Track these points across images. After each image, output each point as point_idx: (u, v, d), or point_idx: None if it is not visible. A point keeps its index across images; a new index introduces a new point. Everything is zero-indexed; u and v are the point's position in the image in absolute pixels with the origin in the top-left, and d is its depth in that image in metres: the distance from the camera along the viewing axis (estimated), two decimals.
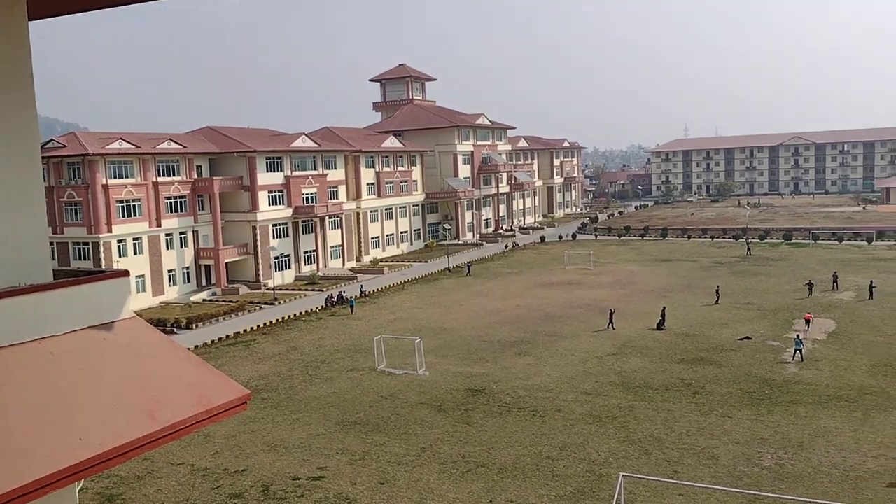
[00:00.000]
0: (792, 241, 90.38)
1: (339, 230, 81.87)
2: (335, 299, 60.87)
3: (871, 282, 56.54)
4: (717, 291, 55.95)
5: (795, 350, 39.96)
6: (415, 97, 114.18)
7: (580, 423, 31.53)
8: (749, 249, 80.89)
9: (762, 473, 26.11)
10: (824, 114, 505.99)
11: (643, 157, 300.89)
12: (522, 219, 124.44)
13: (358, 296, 62.97)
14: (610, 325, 47.30)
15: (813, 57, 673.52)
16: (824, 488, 24.62)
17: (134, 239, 63.00)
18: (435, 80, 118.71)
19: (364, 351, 44.58)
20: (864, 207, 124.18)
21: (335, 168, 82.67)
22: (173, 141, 67.61)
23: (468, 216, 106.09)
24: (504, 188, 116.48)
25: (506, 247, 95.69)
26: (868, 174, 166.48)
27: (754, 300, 55.34)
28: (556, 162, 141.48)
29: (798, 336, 41.96)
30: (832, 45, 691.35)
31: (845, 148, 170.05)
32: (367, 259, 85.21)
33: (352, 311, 57.24)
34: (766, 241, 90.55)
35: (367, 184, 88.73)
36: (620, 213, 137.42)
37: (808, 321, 46.24)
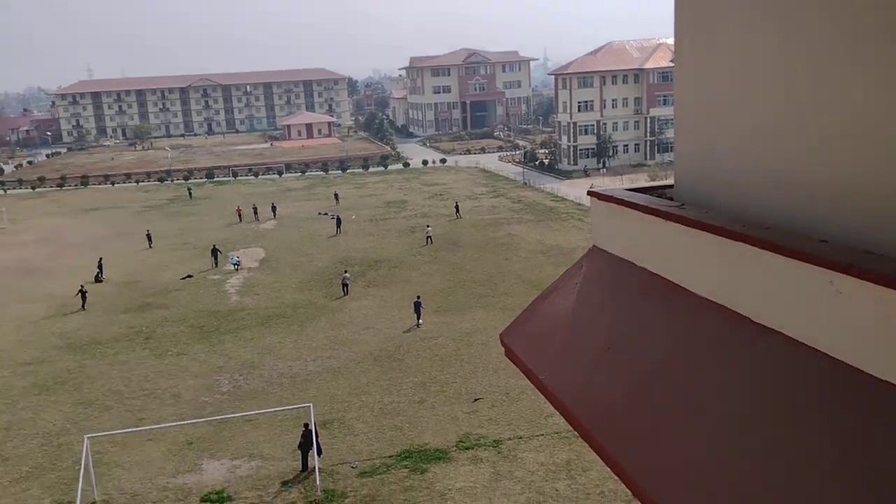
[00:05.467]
0: (214, 179, 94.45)
1: None
2: None
3: (273, 204, 67.15)
4: (148, 236, 55.39)
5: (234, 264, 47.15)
6: None
7: (25, 397, 28.61)
8: (190, 192, 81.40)
9: (223, 399, 27.83)
10: (233, 56, 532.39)
11: (46, 100, 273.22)
12: None
13: None
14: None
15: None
16: (278, 397, 27.57)
17: None
18: None
19: None
20: (271, 144, 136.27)
21: None
22: None
23: None
24: None
25: None
26: (270, 113, 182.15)
27: (189, 239, 56.76)
28: None
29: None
30: None
31: (249, 90, 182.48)
32: None
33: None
34: (190, 181, 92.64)
35: None
36: (30, 163, 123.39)
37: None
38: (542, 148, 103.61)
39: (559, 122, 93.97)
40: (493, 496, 20.38)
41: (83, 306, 39.67)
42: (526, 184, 77.94)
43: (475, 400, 26.67)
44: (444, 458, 22.59)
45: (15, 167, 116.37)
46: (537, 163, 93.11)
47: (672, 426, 3.18)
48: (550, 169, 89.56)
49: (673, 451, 3.08)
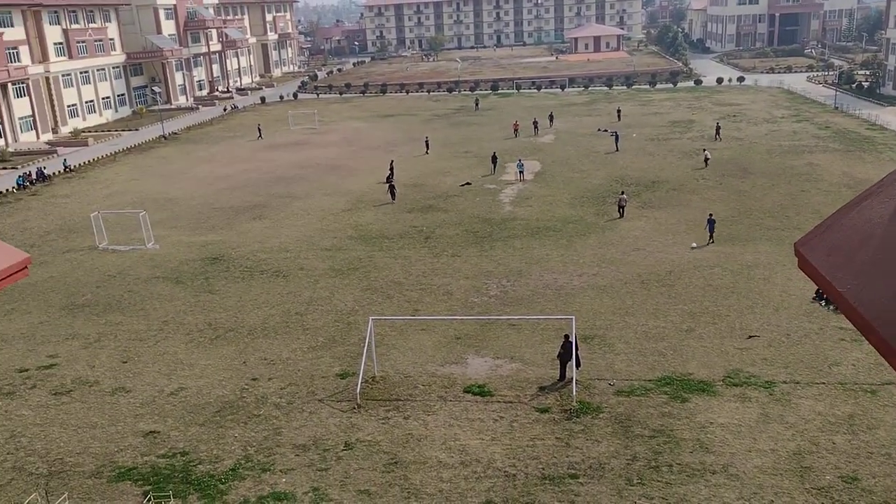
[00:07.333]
0: (499, 91, 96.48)
1: (28, 98, 71.37)
2: (34, 177, 54.01)
3: (550, 113, 68.76)
4: (426, 142, 58.36)
5: (518, 171, 48.68)
6: None
7: (324, 277, 32.23)
8: (477, 103, 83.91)
9: (490, 301, 29.01)
10: None
11: (355, 11, 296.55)
12: (239, 79, 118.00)
13: (62, 171, 56.50)
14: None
15: None
16: (541, 306, 28.11)
17: None
18: None
19: (80, 230, 40.69)
20: (556, 57, 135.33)
21: (11, 26, 70.87)
22: None
23: (179, 78, 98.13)
24: (215, 46, 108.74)
25: (224, 109, 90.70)
26: (559, 25, 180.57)
27: (471, 148, 58.99)
28: (269, 17, 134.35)
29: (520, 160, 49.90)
30: None
31: (539, 1, 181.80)
32: (66, 130, 75.97)
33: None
34: (475, 92, 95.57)
35: (55, 44, 77.57)
36: (339, 70, 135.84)
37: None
38: (861, 69, 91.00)
39: (887, 40, 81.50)
40: (758, 437, 19.14)
41: (393, 199, 43.71)
42: (837, 108, 69.32)
43: (750, 337, 24.96)
44: (707, 391, 21.59)
45: (327, 73, 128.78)
46: (854, 85, 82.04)
47: None
48: (870, 93, 78.45)
49: None
